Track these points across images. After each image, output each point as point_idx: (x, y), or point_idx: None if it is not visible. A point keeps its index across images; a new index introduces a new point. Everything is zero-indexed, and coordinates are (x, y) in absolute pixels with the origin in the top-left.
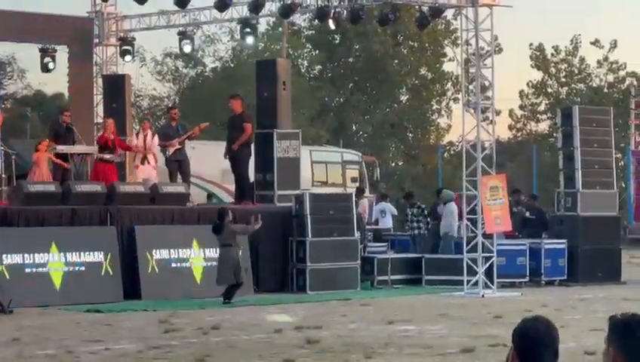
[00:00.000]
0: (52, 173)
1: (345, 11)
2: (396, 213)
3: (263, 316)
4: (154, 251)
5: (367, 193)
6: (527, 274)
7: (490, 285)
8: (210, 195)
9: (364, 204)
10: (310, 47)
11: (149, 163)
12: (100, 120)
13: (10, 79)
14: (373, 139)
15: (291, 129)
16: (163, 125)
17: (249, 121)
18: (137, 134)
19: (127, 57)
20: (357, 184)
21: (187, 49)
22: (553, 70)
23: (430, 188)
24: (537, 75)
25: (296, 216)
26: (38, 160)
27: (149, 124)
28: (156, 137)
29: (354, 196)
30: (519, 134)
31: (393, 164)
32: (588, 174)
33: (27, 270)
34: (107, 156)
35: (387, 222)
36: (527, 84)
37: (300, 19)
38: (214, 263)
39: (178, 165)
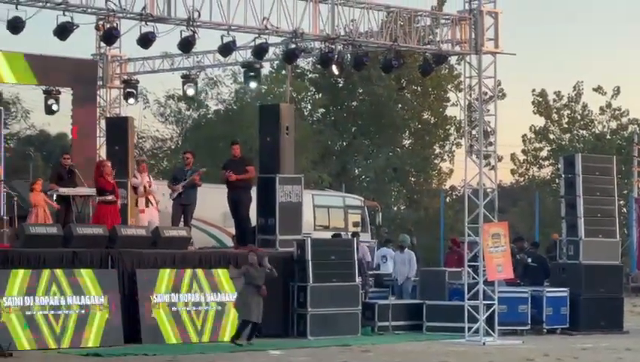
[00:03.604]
0: (54, 215)
1: (348, 57)
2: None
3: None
4: (155, 295)
5: (369, 238)
6: (529, 322)
7: (492, 333)
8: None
9: (363, 249)
10: (313, 90)
11: (151, 204)
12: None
13: (14, 119)
14: (376, 183)
15: (294, 173)
16: (176, 168)
17: (251, 164)
18: (136, 176)
19: (131, 100)
20: (359, 229)
21: (190, 92)
22: (555, 116)
23: (432, 232)
24: (540, 121)
25: (298, 261)
26: (36, 201)
27: (145, 165)
28: (151, 179)
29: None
30: (522, 179)
31: (395, 209)
32: (590, 222)
33: (27, 312)
34: (109, 197)
35: (388, 268)
36: (530, 129)
37: (303, 62)
38: (215, 308)
39: (182, 209)
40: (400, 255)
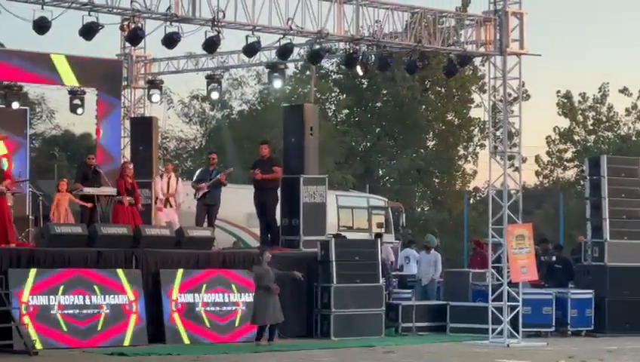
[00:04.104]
0: (79, 215)
1: (373, 57)
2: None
3: None
4: (179, 295)
5: (392, 238)
6: (553, 323)
7: (516, 334)
8: (236, 241)
9: (387, 250)
10: (338, 91)
11: (171, 206)
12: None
13: (39, 119)
14: (400, 184)
15: (318, 174)
16: (201, 169)
17: (279, 165)
18: (161, 176)
19: (155, 98)
20: (383, 229)
21: (215, 95)
22: (580, 118)
23: (456, 233)
24: (564, 123)
25: (322, 261)
26: (58, 201)
27: (172, 166)
28: (179, 180)
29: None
30: (546, 181)
31: (419, 210)
32: (616, 224)
33: (52, 311)
34: (127, 198)
35: (411, 269)
36: (554, 130)
37: (327, 62)
38: (240, 308)
39: (207, 209)
40: (426, 255)
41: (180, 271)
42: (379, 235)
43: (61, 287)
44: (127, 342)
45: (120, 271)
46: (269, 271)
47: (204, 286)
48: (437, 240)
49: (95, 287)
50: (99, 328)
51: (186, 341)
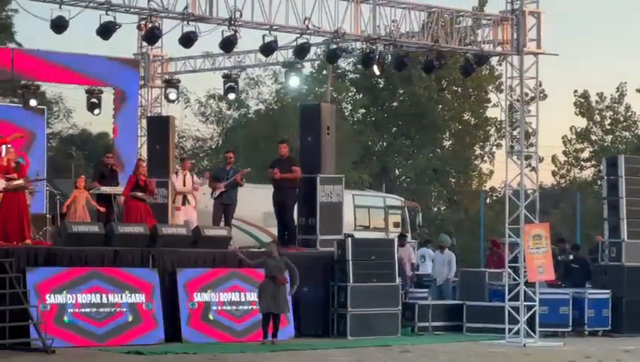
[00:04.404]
0: (96, 213)
1: (389, 57)
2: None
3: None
4: (195, 294)
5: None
6: (570, 323)
7: (532, 334)
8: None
9: (409, 250)
10: (354, 90)
11: (189, 203)
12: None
13: (56, 118)
14: (416, 183)
15: (334, 174)
16: (217, 167)
17: (298, 165)
18: (177, 173)
19: (172, 98)
20: (399, 229)
21: (232, 95)
22: (598, 118)
23: (472, 233)
24: (581, 122)
25: (338, 261)
26: (75, 197)
27: (190, 163)
28: (195, 177)
29: (397, 242)
30: (563, 181)
31: (435, 209)
32: (633, 224)
33: (69, 310)
34: (139, 194)
35: (427, 268)
36: (570, 130)
37: (344, 62)
38: (255, 306)
39: (223, 208)
40: (440, 255)
41: (197, 270)
42: (403, 236)
43: (78, 286)
44: (143, 341)
45: (136, 270)
46: (277, 262)
47: (221, 285)
48: (453, 240)
49: (112, 286)
50: (115, 327)
51: (202, 340)
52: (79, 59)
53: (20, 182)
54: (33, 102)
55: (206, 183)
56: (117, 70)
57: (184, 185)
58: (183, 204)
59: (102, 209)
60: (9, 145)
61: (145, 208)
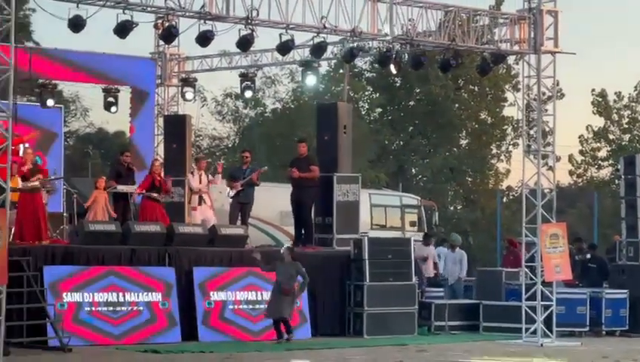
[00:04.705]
0: (113, 212)
1: (406, 56)
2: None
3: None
4: (212, 293)
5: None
6: (588, 323)
7: (549, 334)
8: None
9: (431, 250)
10: (371, 89)
11: (205, 203)
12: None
13: (73, 117)
14: (432, 183)
15: (351, 172)
16: (233, 166)
17: (316, 164)
18: (192, 173)
19: (189, 96)
20: (415, 228)
21: (248, 94)
22: (615, 117)
23: (489, 232)
24: (599, 121)
25: (355, 260)
26: (95, 198)
27: (205, 163)
28: (209, 177)
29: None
30: (580, 180)
31: (452, 209)
32: None
33: (87, 308)
34: (154, 195)
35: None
36: (587, 128)
37: (360, 61)
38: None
39: (240, 207)
40: (451, 254)
41: (213, 268)
42: (428, 235)
43: (95, 284)
44: (159, 340)
45: (153, 269)
46: (287, 268)
47: (237, 284)
48: (469, 239)
49: (128, 285)
50: (132, 325)
51: (219, 339)
52: (96, 58)
53: (36, 183)
54: (50, 102)
55: (219, 176)
56: (134, 69)
57: (201, 184)
58: (199, 203)
59: (114, 214)
60: (26, 145)
61: (160, 210)
